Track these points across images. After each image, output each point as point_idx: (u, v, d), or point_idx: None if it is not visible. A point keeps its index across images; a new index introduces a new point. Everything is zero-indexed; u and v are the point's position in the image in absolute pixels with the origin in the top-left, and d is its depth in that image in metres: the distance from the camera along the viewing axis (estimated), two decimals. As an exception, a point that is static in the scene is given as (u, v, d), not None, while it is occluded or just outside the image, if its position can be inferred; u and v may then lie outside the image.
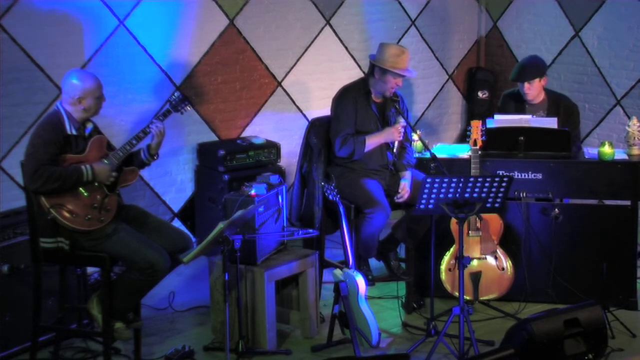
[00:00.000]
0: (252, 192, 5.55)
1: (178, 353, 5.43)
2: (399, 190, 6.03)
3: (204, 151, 7.27)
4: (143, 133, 5.18)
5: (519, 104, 6.70)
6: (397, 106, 6.12)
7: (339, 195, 5.66)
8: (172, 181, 7.27)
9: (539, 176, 6.15)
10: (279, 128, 7.72)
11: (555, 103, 6.67)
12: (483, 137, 5.90)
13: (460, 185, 5.16)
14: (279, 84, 7.74)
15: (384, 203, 5.91)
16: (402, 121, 6.07)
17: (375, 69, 6.06)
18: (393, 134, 6.07)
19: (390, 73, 6.00)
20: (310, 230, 5.81)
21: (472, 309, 5.54)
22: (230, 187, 6.75)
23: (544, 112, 6.61)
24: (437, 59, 8.70)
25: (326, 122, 6.29)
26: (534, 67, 6.62)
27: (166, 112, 5.30)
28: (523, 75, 6.58)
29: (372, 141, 6.06)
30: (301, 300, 5.80)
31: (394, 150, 6.16)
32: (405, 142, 6.22)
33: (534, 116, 6.48)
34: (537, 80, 6.57)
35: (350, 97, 6.11)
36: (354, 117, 6.08)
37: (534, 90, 6.59)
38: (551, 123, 6.36)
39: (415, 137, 6.25)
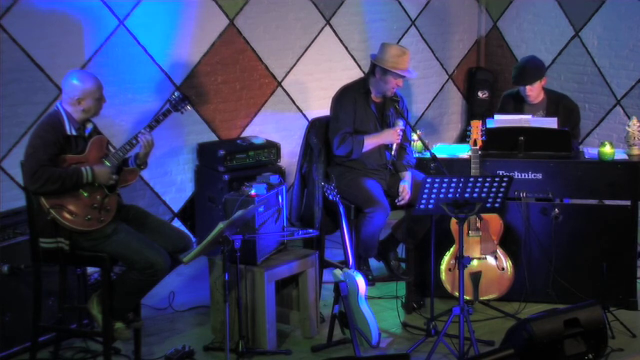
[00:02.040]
0: (252, 192, 5.55)
1: (178, 353, 5.43)
2: (399, 193, 6.02)
3: (204, 151, 7.27)
4: (135, 140, 5.14)
5: (518, 105, 6.71)
6: (396, 106, 6.12)
7: (339, 195, 5.66)
8: (172, 181, 7.27)
9: (539, 176, 6.15)
10: (279, 128, 7.72)
11: (555, 102, 6.67)
12: (483, 137, 5.90)
13: (460, 185, 5.16)
14: (279, 84, 7.74)
15: (383, 202, 5.91)
16: (400, 124, 6.07)
17: (376, 68, 6.05)
18: (392, 136, 6.07)
19: (391, 73, 6.00)
20: (310, 230, 5.81)
21: (472, 309, 5.54)
22: (230, 187, 6.75)
23: (543, 112, 6.62)
24: (437, 59, 8.70)
25: (326, 122, 6.28)
26: (534, 70, 6.61)
27: (166, 112, 5.29)
28: (524, 78, 6.56)
29: (371, 142, 6.06)
30: (301, 300, 5.80)
31: (392, 150, 6.16)
32: (405, 142, 6.22)
33: (533, 116, 6.48)
34: (537, 82, 6.58)
35: (349, 96, 6.12)
36: (352, 116, 6.08)
37: (535, 91, 6.60)
38: (551, 123, 6.37)
39: (415, 137, 6.25)
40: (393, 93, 6.12)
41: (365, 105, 6.12)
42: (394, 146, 6.12)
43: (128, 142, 5.14)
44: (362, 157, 6.09)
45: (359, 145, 6.03)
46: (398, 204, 6.04)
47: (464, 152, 6.28)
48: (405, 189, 6.03)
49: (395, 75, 6.02)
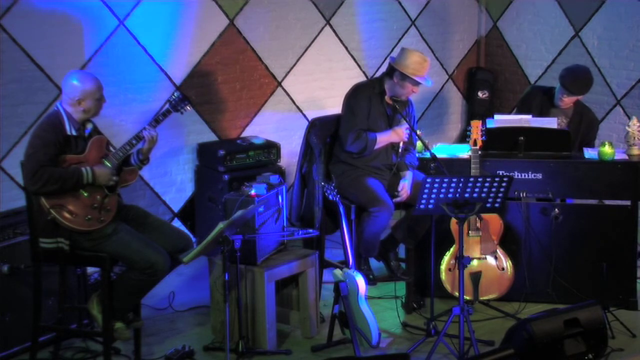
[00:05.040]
0: (252, 192, 5.55)
1: (178, 353, 5.44)
2: (398, 190, 6.02)
3: (204, 151, 7.27)
4: (137, 138, 5.16)
5: (545, 102, 6.68)
6: (397, 107, 6.10)
7: (339, 195, 5.66)
8: (172, 181, 7.27)
9: (539, 176, 6.15)
10: (279, 128, 7.72)
11: (580, 113, 6.67)
12: (483, 137, 5.90)
13: (460, 185, 5.16)
14: (279, 84, 7.74)
15: (388, 201, 5.90)
16: (404, 122, 6.08)
17: (395, 72, 6.03)
18: (399, 135, 6.06)
19: (410, 80, 5.99)
20: (310, 230, 5.81)
21: (472, 309, 5.54)
22: (230, 187, 6.74)
23: (567, 119, 6.61)
24: (437, 59, 8.70)
25: (326, 122, 6.28)
26: (587, 86, 6.58)
27: (166, 112, 5.29)
28: (576, 87, 6.52)
29: (382, 139, 6.06)
30: (301, 300, 5.81)
31: (399, 149, 6.15)
32: (409, 145, 6.22)
33: (532, 118, 6.46)
34: (582, 95, 6.59)
35: (365, 94, 6.10)
36: (367, 114, 6.07)
37: (572, 101, 6.60)
38: (551, 123, 6.37)
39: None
40: (407, 98, 6.12)
41: (379, 105, 6.11)
42: (401, 145, 6.12)
43: (128, 142, 5.14)
44: (369, 156, 6.09)
45: (372, 144, 6.03)
46: (395, 201, 6.03)
47: (464, 152, 6.28)
48: (404, 187, 6.02)
49: (414, 82, 6.01)
